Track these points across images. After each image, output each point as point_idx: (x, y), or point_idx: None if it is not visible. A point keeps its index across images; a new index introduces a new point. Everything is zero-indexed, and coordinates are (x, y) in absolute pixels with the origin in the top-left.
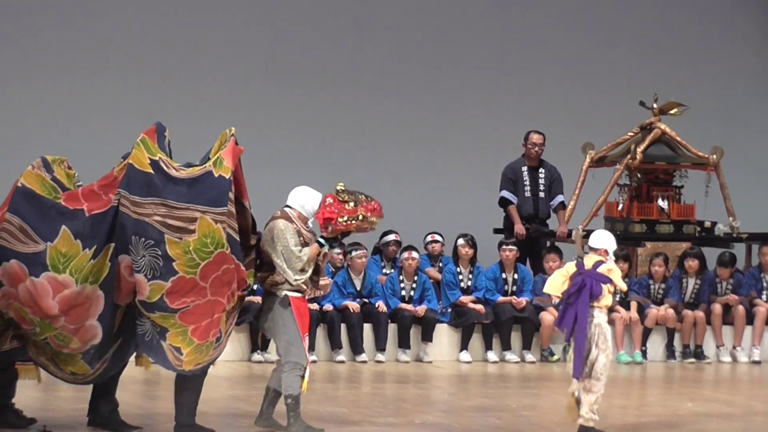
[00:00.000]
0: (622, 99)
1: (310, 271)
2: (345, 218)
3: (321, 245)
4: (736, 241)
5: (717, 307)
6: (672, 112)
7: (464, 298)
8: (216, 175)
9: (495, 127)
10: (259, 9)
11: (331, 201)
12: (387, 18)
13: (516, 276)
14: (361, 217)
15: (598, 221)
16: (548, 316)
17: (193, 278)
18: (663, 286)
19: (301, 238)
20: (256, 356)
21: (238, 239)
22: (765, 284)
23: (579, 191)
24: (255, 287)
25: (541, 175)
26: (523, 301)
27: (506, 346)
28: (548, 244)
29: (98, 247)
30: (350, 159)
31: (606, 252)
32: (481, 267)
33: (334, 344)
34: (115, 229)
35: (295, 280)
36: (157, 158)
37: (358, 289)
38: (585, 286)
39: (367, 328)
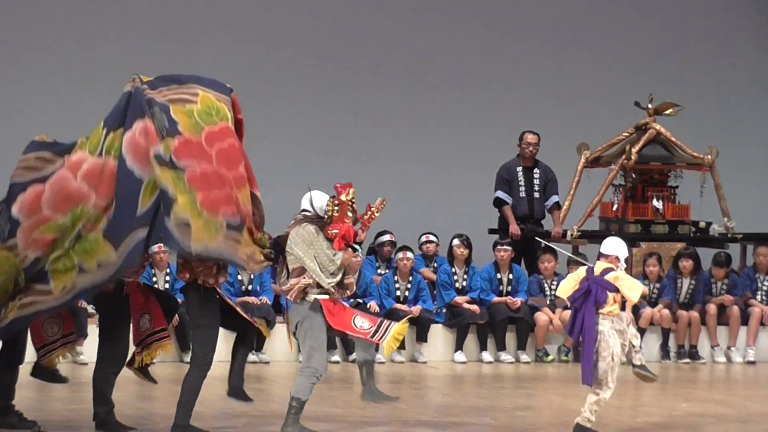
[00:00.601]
0: (618, 99)
1: (341, 275)
2: (367, 214)
3: (354, 250)
4: (731, 242)
5: (712, 308)
6: (667, 112)
7: (459, 299)
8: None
9: (490, 127)
10: (251, 11)
11: (350, 222)
12: (382, 19)
13: (511, 276)
14: (375, 207)
15: (593, 222)
16: (543, 317)
17: (199, 141)
18: (657, 286)
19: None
20: (251, 356)
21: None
22: (760, 285)
23: (574, 191)
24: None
25: (536, 176)
26: (518, 301)
27: (501, 346)
28: (543, 244)
29: (109, 123)
30: (346, 160)
31: (617, 259)
32: (476, 267)
33: (329, 345)
34: (128, 109)
35: (328, 283)
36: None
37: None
38: (590, 292)
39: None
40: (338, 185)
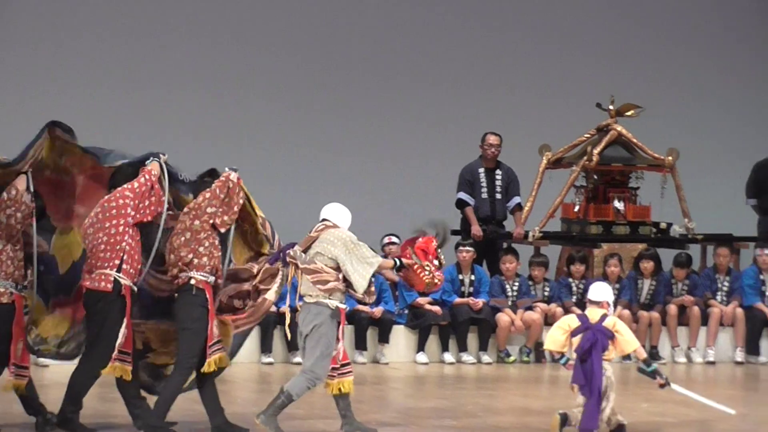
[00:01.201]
0: (579, 101)
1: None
2: (427, 272)
3: (395, 264)
4: (692, 243)
5: (672, 308)
6: (628, 113)
7: (421, 300)
8: None
9: (452, 128)
10: (211, 22)
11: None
12: (346, 18)
13: (473, 277)
14: (429, 276)
15: (555, 223)
16: (504, 318)
17: None
18: (617, 287)
19: None
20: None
21: None
22: (720, 285)
23: (536, 193)
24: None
25: (498, 177)
26: (479, 302)
27: (463, 347)
28: (504, 245)
29: None
30: (310, 162)
31: (608, 304)
32: None
33: (291, 346)
34: None
35: (363, 289)
36: None
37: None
38: (597, 342)
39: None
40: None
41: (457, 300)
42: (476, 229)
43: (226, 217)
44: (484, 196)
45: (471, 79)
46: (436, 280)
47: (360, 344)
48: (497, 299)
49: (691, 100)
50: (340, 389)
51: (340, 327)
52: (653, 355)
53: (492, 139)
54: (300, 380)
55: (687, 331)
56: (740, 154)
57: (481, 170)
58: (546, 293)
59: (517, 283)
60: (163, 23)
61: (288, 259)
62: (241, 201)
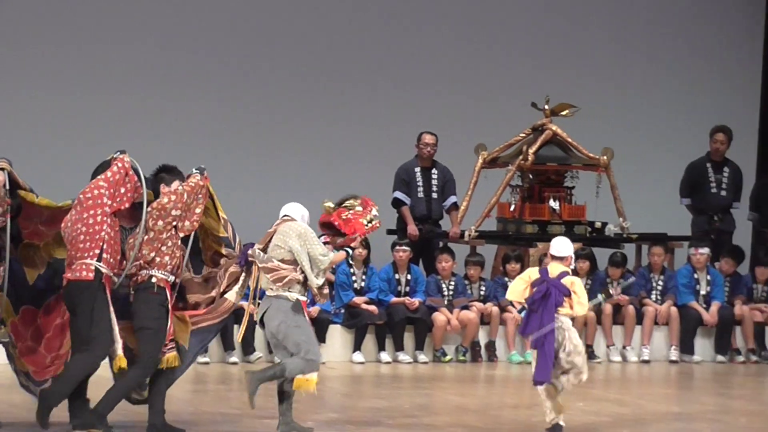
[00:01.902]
0: (514, 100)
1: (325, 277)
2: (367, 222)
3: (348, 253)
4: (627, 242)
5: (607, 307)
6: (563, 113)
7: (357, 299)
8: None
9: (388, 128)
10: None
11: (349, 215)
12: (283, 17)
13: (409, 277)
14: (375, 213)
15: (491, 222)
16: (440, 317)
17: None
18: None
19: None
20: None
21: None
22: (654, 284)
23: (471, 192)
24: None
25: (434, 176)
26: (415, 301)
27: (399, 346)
28: (441, 244)
29: None
30: (245, 156)
31: (571, 258)
32: (374, 268)
33: (227, 345)
34: None
35: (317, 283)
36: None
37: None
38: (550, 294)
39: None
40: (367, 198)
41: (394, 299)
42: (412, 229)
43: (187, 223)
44: (420, 195)
45: (407, 79)
46: (372, 209)
47: None
48: (433, 298)
49: (626, 100)
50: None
51: (306, 318)
52: (588, 353)
53: (428, 139)
54: (299, 361)
55: (622, 330)
56: (674, 154)
57: (417, 170)
58: (482, 292)
59: (453, 283)
60: (117, 22)
61: (249, 258)
62: (202, 205)
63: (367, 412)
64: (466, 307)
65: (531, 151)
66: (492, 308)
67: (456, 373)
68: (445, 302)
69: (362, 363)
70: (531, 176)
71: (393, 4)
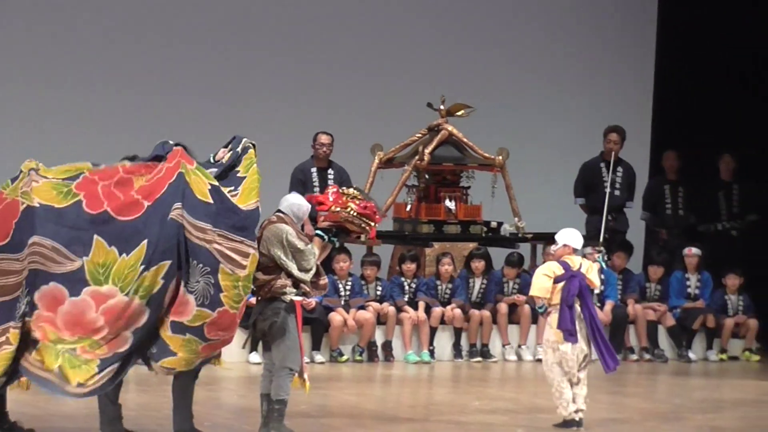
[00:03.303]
0: (410, 100)
1: (314, 269)
2: (337, 208)
3: (321, 238)
4: (522, 241)
5: (503, 307)
6: (459, 113)
7: (254, 300)
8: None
9: (284, 128)
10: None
11: (334, 191)
12: (183, 17)
13: None
14: (351, 211)
15: (387, 222)
16: (337, 317)
17: (235, 314)
18: (450, 286)
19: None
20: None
21: None
22: None
23: (368, 192)
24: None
25: (330, 176)
26: (312, 302)
27: None
28: (338, 245)
29: (147, 258)
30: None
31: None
32: None
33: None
34: (177, 249)
35: (305, 280)
36: (212, 186)
37: None
38: (585, 287)
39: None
40: (374, 207)
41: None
42: (309, 229)
43: None
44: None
45: (301, 79)
46: (358, 212)
47: None
48: (330, 298)
49: (521, 101)
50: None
51: (298, 319)
52: (484, 353)
53: (323, 139)
54: (282, 381)
55: (518, 330)
56: (568, 153)
57: (314, 170)
58: (378, 292)
59: (349, 283)
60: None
61: None
62: None
63: None
64: (362, 308)
65: (427, 151)
66: (388, 308)
67: (353, 373)
68: (342, 302)
69: (259, 363)
70: (427, 176)
71: (285, 4)
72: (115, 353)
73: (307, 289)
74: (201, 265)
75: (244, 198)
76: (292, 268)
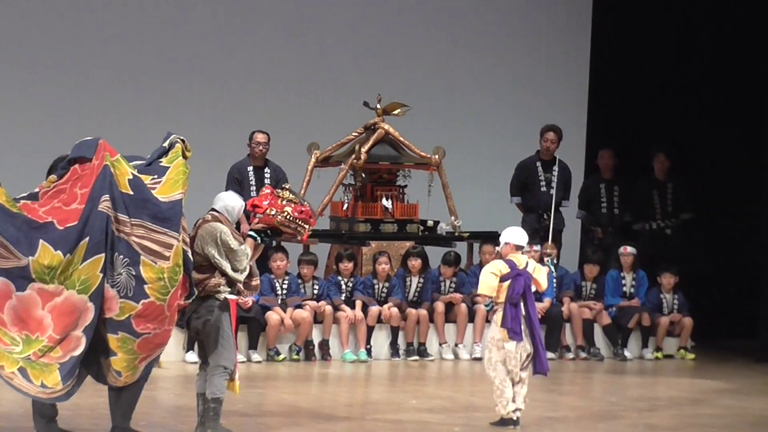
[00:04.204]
0: (347, 99)
1: (248, 270)
2: (272, 211)
3: (254, 239)
4: (458, 240)
5: (440, 305)
6: (395, 112)
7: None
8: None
9: (220, 127)
10: None
11: (268, 192)
12: (123, 22)
13: None
14: (287, 215)
15: (324, 221)
16: (274, 316)
17: (162, 305)
18: (387, 284)
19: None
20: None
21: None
22: None
23: (304, 191)
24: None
25: (267, 175)
26: (249, 300)
27: None
28: (274, 243)
29: (86, 254)
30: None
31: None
32: None
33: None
34: (107, 241)
35: (239, 280)
36: (133, 176)
37: None
38: (529, 286)
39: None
40: (310, 211)
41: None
42: (245, 228)
43: None
44: (253, 194)
45: (238, 77)
46: (294, 214)
47: None
48: (266, 297)
49: (457, 99)
50: None
51: (233, 317)
52: (421, 351)
53: (260, 137)
54: (217, 380)
55: (454, 328)
56: (505, 152)
57: (250, 168)
58: (315, 291)
59: (286, 282)
60: None
61: None
62: None
63: None
64: (299, 306)
65: (363, 150)
66: (325, 307)
67: (290, 372)
68: (279, 301)
69: (195, 363)
70: (363, 175)
71: (224, 1)
72: (71, 356)
73: (241, 289)
74: (122, 257)
75: (167, 189)
76: (226, 267)
